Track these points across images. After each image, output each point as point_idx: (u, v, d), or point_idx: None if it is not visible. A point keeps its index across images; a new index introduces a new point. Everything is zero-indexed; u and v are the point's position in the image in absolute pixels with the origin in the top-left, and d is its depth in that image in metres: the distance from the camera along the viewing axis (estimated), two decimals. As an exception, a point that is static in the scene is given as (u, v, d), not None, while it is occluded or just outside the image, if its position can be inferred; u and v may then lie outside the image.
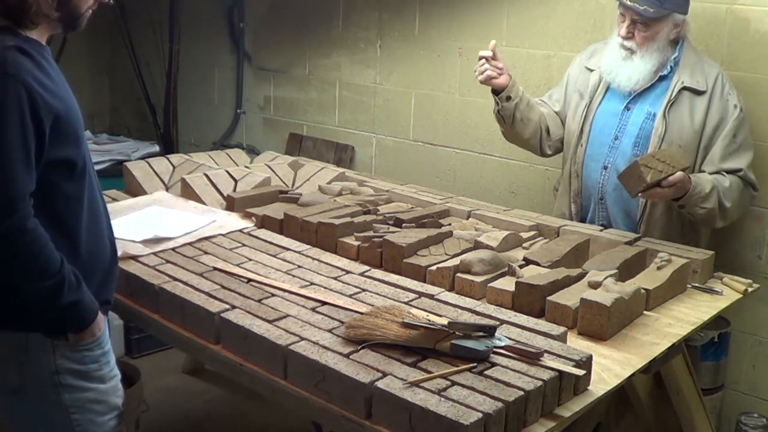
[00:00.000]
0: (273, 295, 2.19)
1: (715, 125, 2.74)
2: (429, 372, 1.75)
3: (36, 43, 1.86)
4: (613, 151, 2.84)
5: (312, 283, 2.27)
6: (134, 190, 3.22)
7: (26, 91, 1.75)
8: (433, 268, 2.38)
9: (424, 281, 2.35)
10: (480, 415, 1.59)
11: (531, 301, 2.19)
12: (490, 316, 2.05)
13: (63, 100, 1.85)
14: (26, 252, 1.77)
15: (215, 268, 2.36)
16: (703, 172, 2.73)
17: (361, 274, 2.36)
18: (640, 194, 2.58)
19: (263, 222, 2.81)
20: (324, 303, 2.13)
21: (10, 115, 1.73)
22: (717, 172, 2.72)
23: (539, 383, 1.72)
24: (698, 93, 2.74)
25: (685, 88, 2.74)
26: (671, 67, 2.78)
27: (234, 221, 2.81)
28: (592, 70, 2.94)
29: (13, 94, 1.73)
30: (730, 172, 2.73)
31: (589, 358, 1.85)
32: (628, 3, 2.66)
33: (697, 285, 2.48)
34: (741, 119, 2.75)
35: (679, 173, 2.55)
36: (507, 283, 2.26)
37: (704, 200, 2.64)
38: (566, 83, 3.05)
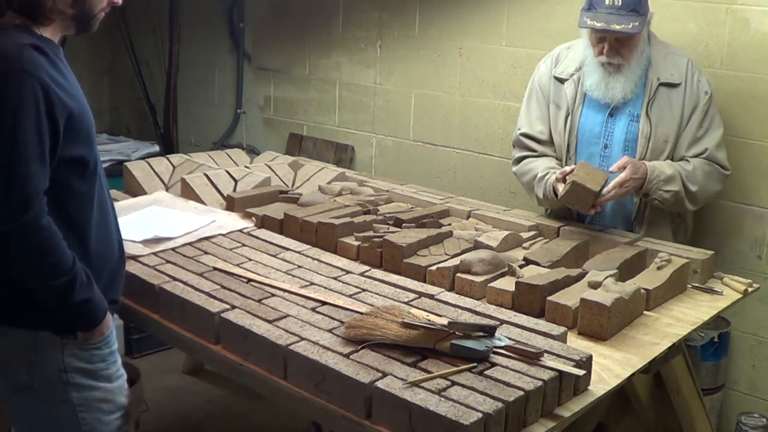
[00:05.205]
0: (273, 295, 2.19)
1: (689, 114, 2.74)
2: (429, 372, 1.75)
3: (51, 42, 1.86)
4: (605, 160, 2.80)
5: (312, 283, 2.27)
6: (134, 190, 3.22)
7: (42, 88, 1.74)
8: (433, 268, 2.38)
9: (424, 281, 2.35)
10: (480, 415, 1.59)
11: (531, 301, 2.19)
12: (490, 316, 2.05)
13: (77, 99, 1.86)
14: (40, 249, 1.77)
15: (215, 268, 2.36)
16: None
17: (361, 274, 2.36)
18: (593, 208, 2.60)
19: (263, 222, 2.81)
20: (324, 303, 2.13)
21: (26, 111, 1.72)
22: (681, 159, 2.73)
23: (539, 383, 1.72)
24: (674, 86, 2.73)
25: (661, 84, 2.73)
26: (645, 64, 2.75)
27: (234, 221, 2.80)
28: (563, 80, 2.84)
29: (29, 90, 1.73)
30: (693, 156, 2.73)
31: (589, 358, 1.85)
32: (617, 28, 2.59)
33: (697, 285, 2.48)
34: (709, 105, 2.74)
35: (624, 156, 2.64)
36: (507, 283, 2.26)
37: (666, 183, 2.65)
38: (542, 98, 2.90)
